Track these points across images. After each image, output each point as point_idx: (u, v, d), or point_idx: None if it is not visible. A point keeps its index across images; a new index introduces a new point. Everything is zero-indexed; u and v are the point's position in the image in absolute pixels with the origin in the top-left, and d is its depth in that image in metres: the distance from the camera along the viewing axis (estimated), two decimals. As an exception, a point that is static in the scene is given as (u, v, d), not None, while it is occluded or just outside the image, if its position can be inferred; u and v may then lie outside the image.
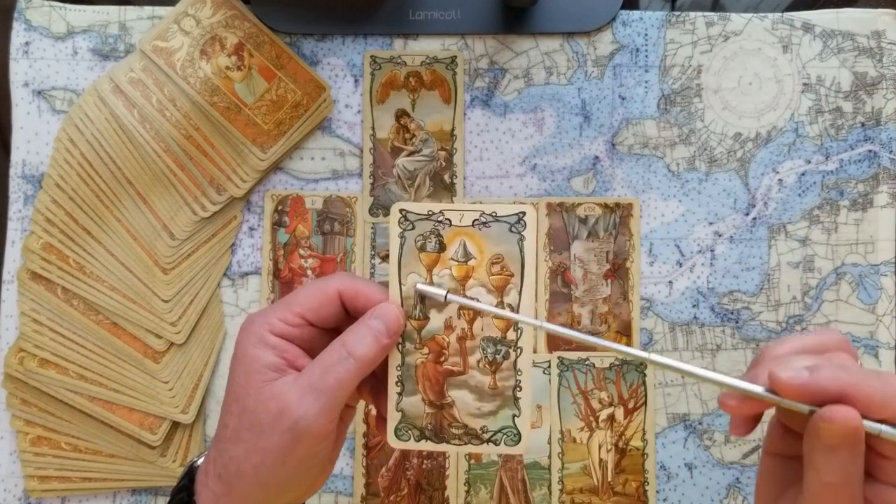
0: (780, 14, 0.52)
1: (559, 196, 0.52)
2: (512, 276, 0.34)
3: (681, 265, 0.51)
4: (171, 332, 0.49)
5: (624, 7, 0.52)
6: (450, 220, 0.34)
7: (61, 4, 0.52)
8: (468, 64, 0.52)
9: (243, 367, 0.32)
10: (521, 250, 0.34)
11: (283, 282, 0.51)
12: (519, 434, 0.34)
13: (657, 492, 0.50)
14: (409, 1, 0.52)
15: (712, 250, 0.51)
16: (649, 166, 0.52)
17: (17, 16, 0.52)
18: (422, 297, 0.33)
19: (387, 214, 0.51)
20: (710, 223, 0.51)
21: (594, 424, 0.50)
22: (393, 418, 0.34)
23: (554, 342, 0.50)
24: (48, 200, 0.50)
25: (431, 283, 0.33)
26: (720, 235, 0.51)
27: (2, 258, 0.51)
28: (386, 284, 0.34)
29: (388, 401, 0.34)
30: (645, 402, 0.50)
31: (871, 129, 0.51)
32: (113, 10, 0.52)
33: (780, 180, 0.51)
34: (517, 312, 0.33)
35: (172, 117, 0.50)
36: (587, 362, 0.50)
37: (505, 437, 0.34)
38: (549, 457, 0.50)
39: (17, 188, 0.51)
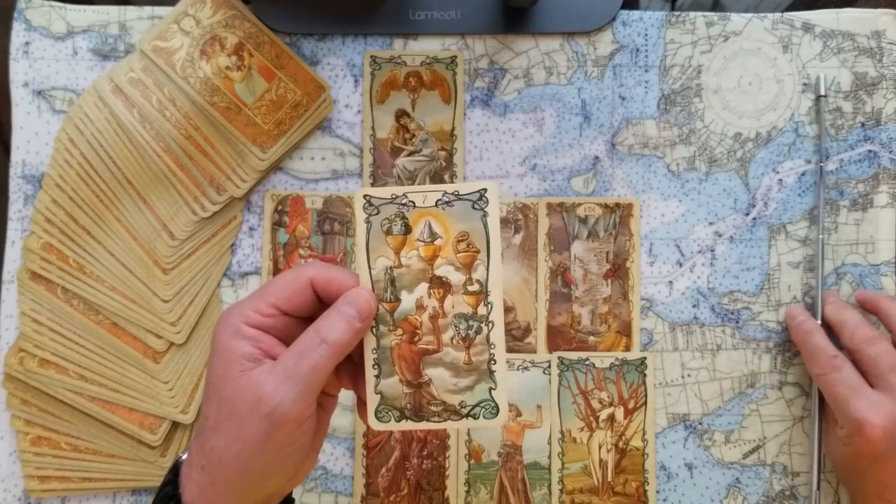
0: (780, 14, 0.52)
1: (559, 196, 0.52)
2: (478, 252, 0.34)
3: (681, 265, 0.51)
4: (171, 332, 0.49)
5: (624, 7, 0.52)
6: (413, 203, 0.34)
7: (61, 4, 0.52)
8: (468, 64, 0.52)
9: (220, 358, 0.32)
10: (486, 226, 0.34)
11: (283, 282, 0.51)
12: (497, 406, 0.35)
13: (657, 492, 0.50)
14: (409, 1, 0.52)
15: (712, 250, 0.51)
16: (649, 166, 0.52)
17: (17, 16, 0.52)
18: (392, 280, 0.34)
19: (387, 214, 0.51)
20: (711, 223, 0.51)
21: (594, 424, 0.50)
22: (372, 401, 0.34)
23: (554, 342, 0.50)
24: (48, 200, 0.50)
25: (400, 266, 0.34)
26: (720, 235, 0.51)
27: (2, 258, 0.51)
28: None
29: (367, 384, 0.34)
30: (645, 403, 0.50)
31: (871, 129, 0.51)
32: (113, 10, 0.52)
33: (781, 180, 0.51)
34: (486, 288, 0.34)
35: (172, 117, 0.50)
36: (587, 362, 0.50)
37: (483, 410, 0.35)
38: (549, 457, 0.50)
39: (17, 188, 0.51)
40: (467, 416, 0.35)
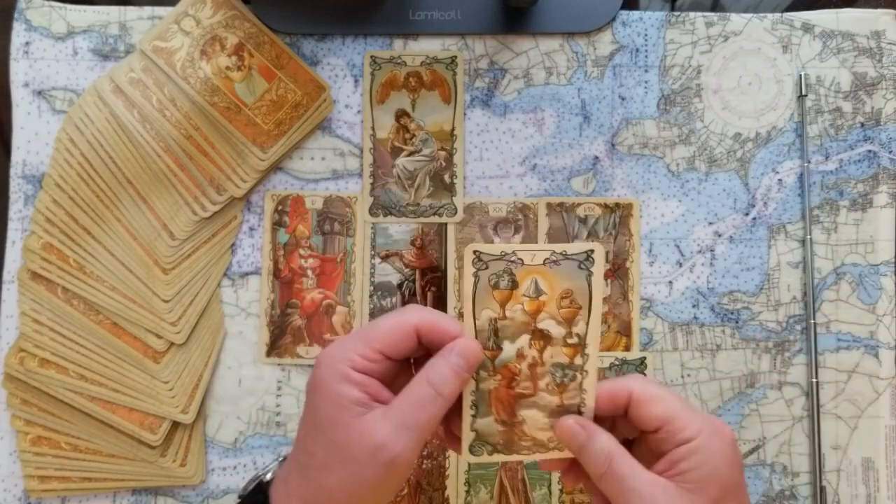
0: (780, 14, 0.52)
1: (559, 196, 0.52)
2: (580, 308, 0.37)
3: (681, 265, 0.51)
4: (172, 332, 0.49)
5: (624, 7, 0.52)
6: (522, 260, 0.36)
7: (61, 5, 0.52)
8: (468, 64, 0.52)
9: (328, 402, 0.34)
10: (590, 286, 0.37)
11: (284, 282, 0.51)
12: None
13: (657, 492, 0.50)
14: (409, 1, 0.52)
15: (712, 250, 0.51)
16: (649, 166, 0.52)
17: (18, 16, 0.52)
18: (496, 331, 0.36)
19: (387, 214, 0.51)
20: (710, 223, 0.51)
21: (594, 424, 0.50)
22: (468, 437, 0.37)
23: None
24: (48, 200, 0.50)
25: (504, 318, 0.37)
26: (720, 235, 0.51)
27: (2, 258, 0.51)
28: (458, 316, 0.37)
29: (463, 422, 0.37)
30: (645, 402, 0.50)
31: (871, 130, 0.51)
32: (113, 11, 0.52)
33: (780, 180, 0.51)
34: (584, 341, 0.37)
35: (172, 117, 0.50)
36: (587, 362, 0.50)
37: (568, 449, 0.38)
38: (549, 457, 0.50)
39: (17, 188, 0.51)
40: (554, 449, 0.38)
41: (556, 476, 0.50)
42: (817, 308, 0.50)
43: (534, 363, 0.37)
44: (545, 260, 0.37)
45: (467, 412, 0.37)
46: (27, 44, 0.52)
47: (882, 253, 0.51)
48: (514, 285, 0.37)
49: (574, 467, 0.38)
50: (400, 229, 0.52)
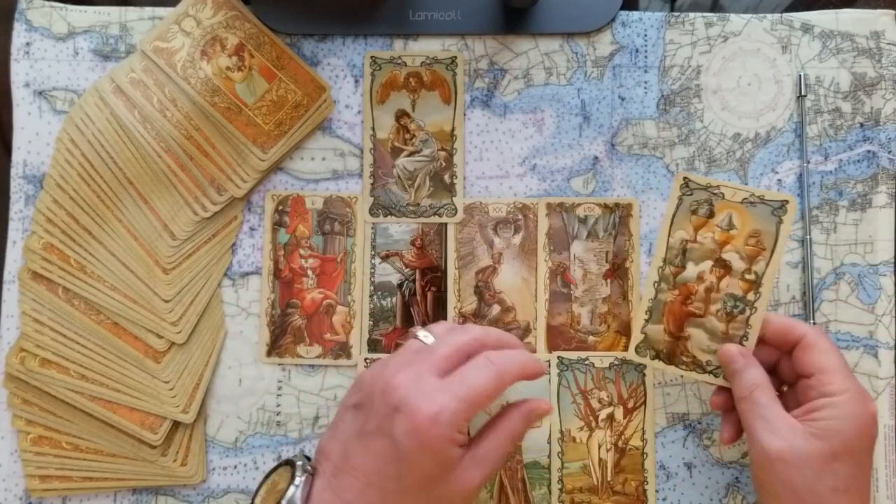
0: (780, 15, 0.52)
1: (559, 196, 0.52)
2: (764, 249, 0.41)
3: (680, 265, 0.51)
4: (172, 332, 0.49)
5: (623, 8, 0.52)
6: (723, 194, 0.42)
7: (62, 5, 0.52)
8: (468, 64, 0.52)
9: (438, 464, 0.37)
10: (778, 231, 0.41)
11: (284, 282, 0.51)
12: None
13: (656, 491, 0.50)
14: (410, 1, 0.52)
15: (712, 250, 0.51)
16: (649, 166, 0.52)
17: (18, 16, 0.52)
18: (684, 251, 0.42)
19: (387, 214, 0.52)
20: (710, 223, 0.51)
21: (594, 424, 0.50)
22: (636, 338, 0.43)
23: (553, 342, 0.51)
24: (49, 200, 0.50)
25: (694, 241, 0.42)
26: (719, 235, 0.51)
27: (3, 258, 0.51)
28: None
29: (634, 323, 0.42)
30: (644, 402, 0.50)
31: (870, 130, 0.51)
32: (114, 11, 0.52)
33: (780, 180, 0.51)
34: (760, 279, 0.41)
35: (173, 118, 0.50)
36: (587, 362, 0.50)
37: (723, 372, 0.42)
38: (549, 456, 0.50)
39: (18, 188, 0.51)
40: (710, 372, 0.42)
41: (555, 475, 0.50)
42: (817, 308, 0.51)
43: (710, 288, 0.42)
44: (744, 199, 0.41)
45: (640, 315, 0.42)
46: (28, 44, 0.52)
47: (881, 253, 0.51)
48: (711, 215, 0.42)
49: (722, 391, 0.43)
50: (400, 229, 0.52)
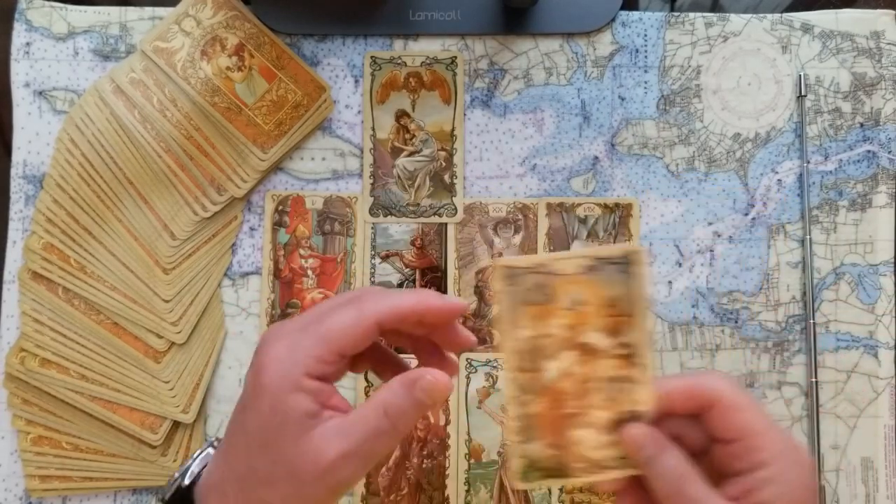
0: (780, 15, 0.52)
1: (559, 196, 0.52)
2: (626, 316, 0.33)
3: (680, 265, 0.51)
4: (172, 332, 0.49)
5: (623, 8, 0.52)
6: (555, 272, 0.33)
7: (62, 5, 0.52)
8: (468, 64, 0.52)
9: (277, 413, 0.31)
10: (633, 291, 0.33)
11: (284, 282, 0.51)
12: None
13: (657, 491, 0.50)
14: (410, 1, 0.52)
15: (712, 250, 0.51)
16: (649, 166, 0.52)
17: (18, 16, 0.52)
18: (535, 350, 0.33)
19: (387, 214, 0.52)
20: (710, 223, 0.51)
21: (594, 424, 0.50)
22: (519, 463, 0.34)
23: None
24: (49, 200, 0.50)
25: (543, 335, 0.33)
26: (719, 235, 0.51)
27: (3, 258, 0.51)
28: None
29: (513, 446, 0.34)
30: (644, 402, 0.50)
31: (870, 130, 0.51)
32: (114, 11, 0.52)
33: (780, 180, 0.51)
34: (636, 350, 0.33)
35: (173, 118, 0.50)
36: (587, 362, 0.50)
37: (627, 462, 0.33)
38: (549, 456, 0.50)
39: (18, 188, 0.51)
40: (613, 468, 0.34)
41: (555, 476, 0.50)
42: (816, 308, 0.51)
43: (581, 380, 0.33)
44: (581, 269, 0.33)
45: (515, 437, 0.34)
46: (28, 44, 0.52)
47: (881, 253, 0.51)
48: (551, 299, 0.33)
49: (633, 489, 0.33)
50: (400, 229, 0.52)
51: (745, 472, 0.31)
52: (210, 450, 0.35)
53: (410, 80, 0.52)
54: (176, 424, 0.49)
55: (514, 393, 0.33)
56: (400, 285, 0.51)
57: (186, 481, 0.34)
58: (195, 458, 0.35)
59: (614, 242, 0.51)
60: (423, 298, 0.33)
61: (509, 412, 0.34)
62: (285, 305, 0.51)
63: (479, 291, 0.51)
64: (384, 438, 0.31)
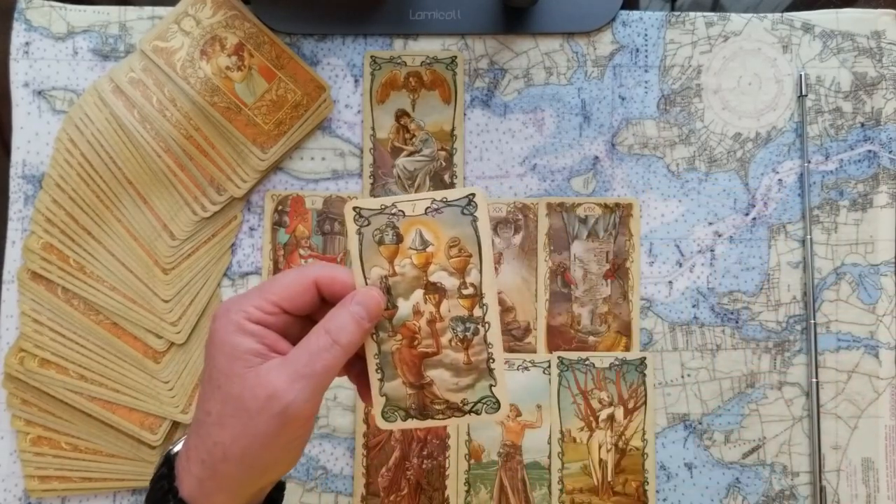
0: (780, 14, 0.52)
1: (559, 196, 0.52)
2: (470, 256, 0.35)
3: (681, 265, 0.51)
4: (172, 332, 0.49)
5: (624, 7, 0.52)
6: (403, 212, 0.35)
7: (61, 5, 0.52)
8: (468, 64, 0.52)
9: (224, 354, 0.32)
10: (476, 231, 0.35)
11: (284, 282, 0.51)
12: (498, 402, 0.36)
13: (657, 491, 0.50)
14: (409, 1, 0.52)
15: (712, 250, 0.51)
16: (649, 166, 0.52)
17: (18, 16, 0.52)
18: (388, 288, 0.35)
19: (387, 214, 0.51)
20: (710, 223, 0.51)
21: (594, 424, 0.50)
22: (378, 402, 0.35)
23: (554, 342, 0.50)
24: (48, 200, 0.50)
25: (394, 274, 0.35)
26: (720, 235, 0.51)
27: (2, 258, 0.51)
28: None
29: (371, 387, 0.35)
30: (645, 402, 0.50)
31: (871, 130, 0.51)
32: (113, 11, 0.52)
33: (780, 180, 0.51)
34: (480, 290, 0.35)
35: (172, 117, 0.50)
36: (587, 362, 0.50)
37: (485, 405, 0.36)
38: (549, 457, 0.50)
39: (17, 188, 0.51)
40: (470, 412, 0.36)
41: (555, 476, 0.50)
42: (817, 308, 0.51)
43: (432, 319, 0.35)
44: (426, 209, 0.35)
45: (374, 376, 0.35)
46: (27, 44, 0.52)
47: (882, 253, 0.51)
48: (399, 239, 0.35)
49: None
50: (400, 229, 0.52)
51: None
52: None
53: (410, 79, 0.52)
54: (175, 425, 0.49)
55: (371, 330, 0.35)
56: (400, 285, 0.51)
57: (175, 449, 0.35)
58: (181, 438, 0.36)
59: (614, 242, 0.51)
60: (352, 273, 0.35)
61: (368, 352, 0.35)
62: (285, 305, 0.51)
63: (479, 291, 0.51)
64: (326, 355, 0.32)
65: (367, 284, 0.35)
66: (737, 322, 0.51)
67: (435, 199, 0.35)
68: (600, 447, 0.50)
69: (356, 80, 0.52)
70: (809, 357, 0.50)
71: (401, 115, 0.52)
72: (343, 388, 0.51)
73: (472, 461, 0.50)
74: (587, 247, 0.51)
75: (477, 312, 0.35)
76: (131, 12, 0.52)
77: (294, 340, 0.34)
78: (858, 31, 0.52)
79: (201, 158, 0.50)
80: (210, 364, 0.33)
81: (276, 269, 0.51)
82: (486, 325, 0.35)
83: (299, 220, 0.52)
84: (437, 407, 0.36)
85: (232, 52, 0.51)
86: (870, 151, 0.51)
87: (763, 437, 0.50)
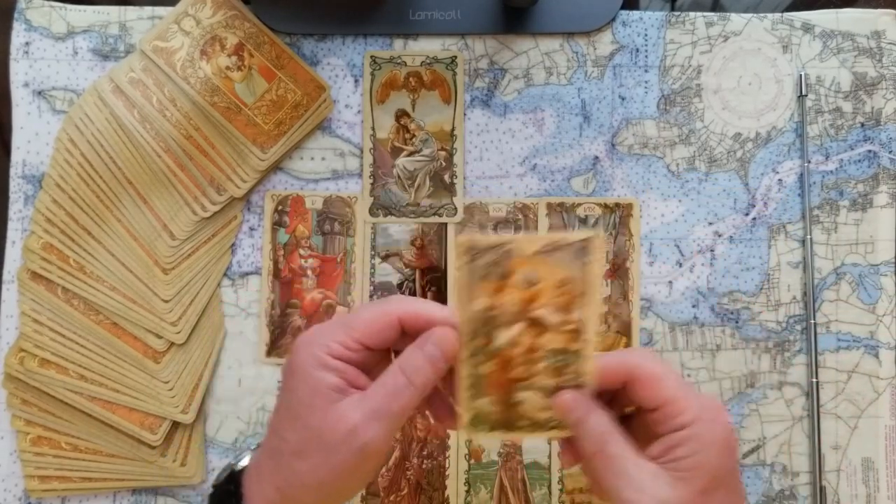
0: (780, 14, 0.52)
1: (559, 196, 0.52)
2: (577, 296, 0.35)
3: (680, 265, 0.51)
4: (172, 332, 0.49)
5: (624, 7, 0.52)
6: (512, 252, 0.35)
7: (61, 5, 0.52)
8: (468, 64, 0.52)
9: (305, 386, 0.34)
10: (586, 274, 0.35)
11: (284, 282, 0.51)
12: None
13: (657, 492, 0.50)
14: (409, 1, 0.52)
15: (712, 250, 0.51)
16: (649, 166, 0.52)
17: (18, 16, 0.52)
18: (487, 320, 0.36)
19: (387, 214, 0.51)
20: (710, 223, 0.51)
21: (594, 424, 0.50)
22: (467, 416, 0.36)
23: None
24: (48, 200, 0.50)
25: (496, 308, 0.36)
26: (720, 235, 0.51)
27: (2, 258, 0.51)
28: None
29: (462, 400, 0.36)
30: (645, 402, 0.50)
31: (871, 130, 0.51)
32: (113, 11, 0.52)
33: (780, 180, 0.51)
34: (582, 327, 0.36)
35: (172, 117, 0.50)
36: (587, 362, 0.50)
37: (565, 424, 0.36)
38: (549, 457, 0.50)
39: (17, 188, 0.51)
40: (554, 428, 0.36)
41: (556, 476, 0.50)
42: (817, 308, 0.51)
43: (529, 349, 0.36)
44: (538, 251, 0.36)
45: (465, 392, 0.36)
46: (27, 44, 0.52)
47: (882, 253, 0.51)
48: (507, 276, 0.36)
49: (570, 446, 0.37)
50: (400, 229, 0.52)
51: (667, 433, 0.34)
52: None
53: (410, 79, 0.52)
54: (175, 425, 0.49)
55: (465, 356, 0.36)
56: (400, 285, 0.51)
57: (241, 464, 0.36)
58: (251, 449, 0.38)
59: (614, 242, 0.51)
60: (444, 308, 0.36)
61: (461, 372, 0.36)
62: (285, 305, 0.51)
63: (479, 291, 0.51)
64: (403, 395, 0.34)
65: (468, 314, 0.35)
66: (737, 322, 0.51)
67: (549, 243, 0.36)
68: (600, 447, 0.50)
69: (356, 80, 0.52)
70: (809, 357, 0.50)
71: (401, 115, 0.52)
72: (343, 388, 0.51)
73: (472, 461, 0.50)
74: (587, 247, 0.51)
75: (575, 346, 0.36)
76: (131, 12, 0.52)
77: (372, 372, 0.35)
78: (858, 31, 0.52)
79: (201, 158, 0.50)
80: (290, 394, 0.34)
81: (277, 269, 0.51)
82: (583, 358, 0.36)
83: (299, 220, 0.52)
84: (523, 423, 0.37)
85: (232, 52, 0.51)
86: (870, 151, 0.51)
87: (763, 437, 0.50)
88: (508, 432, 0.37)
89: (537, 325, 0.36)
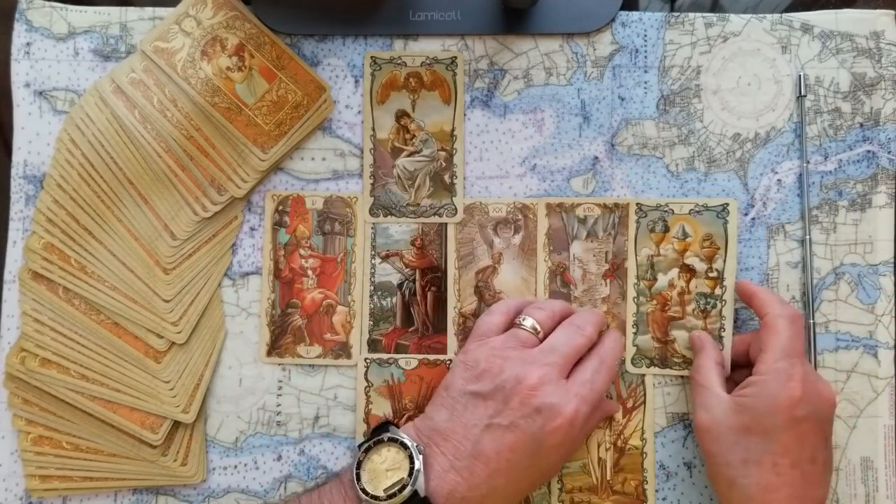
0: (779, 15, 0.52)
1: (558, 196, 0.52)
2: (718, 248, 0.49)
3: (680, 265, 0.51)
4: (173, 332, 0.50)
5: (623, 8, 0.52)
6: (672, 210, 0.49)
7: (62, 5, 0.52)
8: (468, 65, 0.52)
9: (567, 455, 0.46)
10: (726, 231, 0.49)
11: (284, 282, 0.51)
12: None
13: (656, 491, 0.50)
14: (410, 2, 0.52)
15: (711, 250, 0.51)
16: (649, 167, 0.52)
17: (18, 16, 0.52)
18: (652, 264, 0.49)
19: (387, 214, 0.52)
20: (710, 223, 0.51)
21: (594, 424, 0.50)
22: (629, 351, 0.49)
23: (554, 342, 0.51)
24: (49, 201, 0.50)
25: (658, 255, 0.49)
26: (719, 235, 0.51)
27: (3, 258, 0.51)
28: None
29: (626, 338, 0.49)
30: (644, 402, 0.50)
31: (870, 130, 0.51)
32: (114, 11, 0.52)
33: (779, 180, 0.51)
34: (722, 275, 0.49)
35: (173, 118, 0.50)
36: (587, 362, 0.50)
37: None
38: (549, 456, 0.50)
39: (18, 188, 0.51)
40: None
41: (555, 476, 0.50)
42: (816, 308, 0.51)
43: (682, 291, 0.48)
44: (690, 210, 0.49)
45: (630, 330, 0.49)
46: (28, 44, 0.52)
47: (881, 253, 0.51)
48: (667, 229, 0.49)
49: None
50: (400, 229, 0.52)
51: (751, 376, 0.44)
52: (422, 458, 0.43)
53: (410, 80, 0.52)
54: (176, 424, 0.50)
55: (633, 294, 0.49)
56: (400, 285, 0.51)
57: (422, 493, 0.41)
58: (418, 469, 0.42)
59: (614, 243, 0.51)
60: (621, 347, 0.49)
61: (628, 309, 0.49)
62: (286, 305, 0.51)
63: (479, 292, 0.51)
64: (601, 376, 0.45)
65: (636, 261, 0.49)
66: (736, 322, 0.51)
67: (698, 204, 0.49)
68: (599, 446, 0.50)
69: (356, 81, 0.52)
70: (808, 357, 0.50)
71: (401, 115, 0.52)
72: (343, 387, 0.51)
73: (472, 460, 0.50)
74: (586, 247, 0.51)
75: (717, 291, 0.49)
76: (132, 13, 0.52)
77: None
78: (857, 31, 0.52)
79: (202, 159, 0.50)
80: (548, 458, 0.44)
81: (277, 270, 0.51)
82: (723, 302, 0.48)
83: (300, 220, 0.52)
84: (676, 360, 0.49)
85: (233, 52, 0.51)
86: (869, 152, 0.51)
87: (762, 436, 0.50)
88: (664, 368, 0.49)
89: (688, 271, 0.49)
